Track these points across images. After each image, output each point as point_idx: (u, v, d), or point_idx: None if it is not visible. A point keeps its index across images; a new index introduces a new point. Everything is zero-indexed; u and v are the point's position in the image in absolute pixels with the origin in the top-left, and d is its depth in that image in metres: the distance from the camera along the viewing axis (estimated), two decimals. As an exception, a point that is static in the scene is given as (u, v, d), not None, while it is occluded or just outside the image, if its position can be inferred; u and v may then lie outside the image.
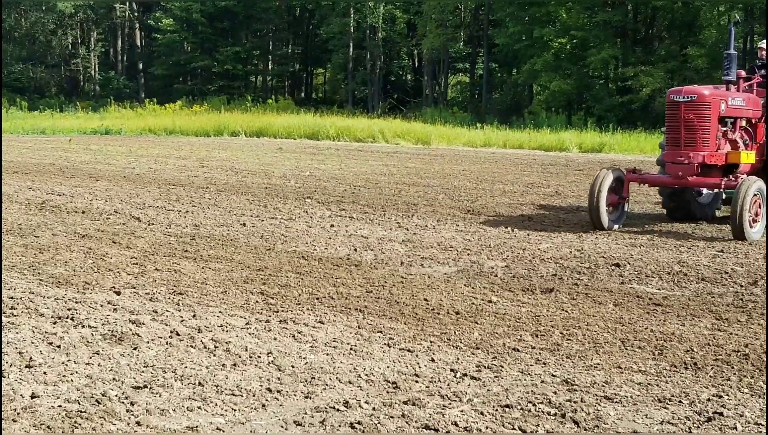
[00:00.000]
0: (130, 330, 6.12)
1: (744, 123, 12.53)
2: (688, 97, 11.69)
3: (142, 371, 5.20)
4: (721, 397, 4.98)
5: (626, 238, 11.12)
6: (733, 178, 11.53)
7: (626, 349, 6.03)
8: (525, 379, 5.27)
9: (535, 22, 45.36)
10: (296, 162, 23.61)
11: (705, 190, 13.03)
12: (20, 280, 7.90)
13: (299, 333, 6.23)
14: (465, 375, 5.32)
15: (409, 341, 6.10)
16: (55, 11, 64.15)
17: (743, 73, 12.61)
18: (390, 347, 5.95)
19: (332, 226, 11.92)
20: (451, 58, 56.26)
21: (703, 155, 11.65)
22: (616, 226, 11.86)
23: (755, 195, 11.06)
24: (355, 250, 10.00)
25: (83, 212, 12.72)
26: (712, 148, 11.75)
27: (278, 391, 4.92)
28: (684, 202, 12.88)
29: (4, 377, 5.01)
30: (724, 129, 12.10)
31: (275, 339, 6.05)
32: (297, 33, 64.83)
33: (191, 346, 5.74)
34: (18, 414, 4.43)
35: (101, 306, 6.89)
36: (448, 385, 5.13)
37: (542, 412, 4.67)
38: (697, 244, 10.74)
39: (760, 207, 11.25)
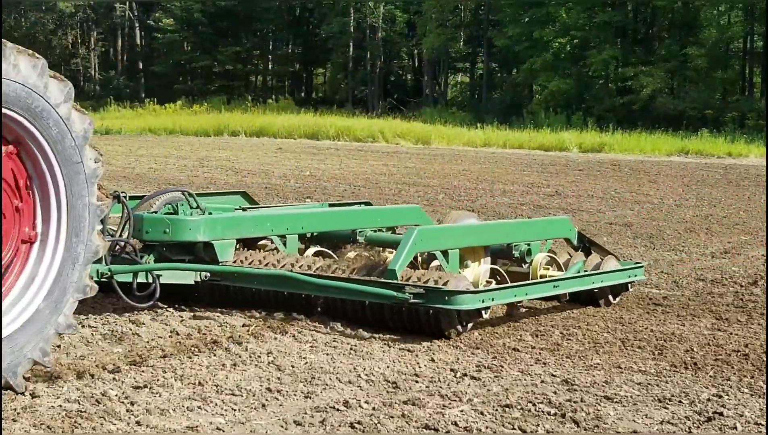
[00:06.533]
0: (130, 330, 6.12)
1: None
2: None
3: (142, 371, 5.20)
4: (721, 397, 4.98)
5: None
6: None
7: (626, 349, 6.03)
8: (525, 379, 5.27)
9: (535, 23, 45.34)
10: (296, 162, 23.59)
11: None
12: (20, 280, 7.87)
13: (299, 333, 6.22)
14: (465, 375, 5.32)
15: (409, 341, 6.10)
16: (55, 11, 64.11)
17: None
18: (390, 347, 5.94)
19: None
20: (451, 58, 56.20)
21: None
22: None
23: None
24: (355, 250, 9.99)
25: (83, 212, 12.69)
26: None
27: (278, 391, 4.92)
28: None
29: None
30: None
31: (275, 339, 6.05)
32: (297, 33, 64.77)
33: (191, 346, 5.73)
34: (18, 414, 4.43)
35: (101, 306, 6.88)
36: (448, 385, 5.13)
37: (542, 412, 4.67)
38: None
39: None
